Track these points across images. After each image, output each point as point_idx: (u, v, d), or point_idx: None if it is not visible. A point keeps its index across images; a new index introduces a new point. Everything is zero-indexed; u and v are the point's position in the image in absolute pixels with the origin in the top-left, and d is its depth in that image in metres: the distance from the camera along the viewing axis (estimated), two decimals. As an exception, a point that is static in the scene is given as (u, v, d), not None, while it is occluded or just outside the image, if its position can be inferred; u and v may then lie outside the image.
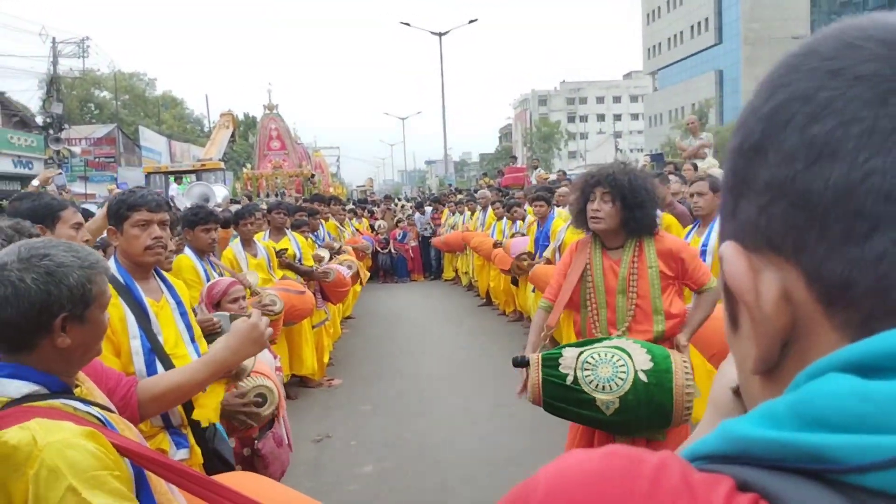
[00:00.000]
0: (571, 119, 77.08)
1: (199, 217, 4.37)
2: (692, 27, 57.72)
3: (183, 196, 11.86)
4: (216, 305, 3.56)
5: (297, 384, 6.39)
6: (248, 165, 18.05)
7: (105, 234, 3.30)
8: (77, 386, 1.50)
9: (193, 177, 16.28)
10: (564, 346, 2.88)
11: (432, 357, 7.53)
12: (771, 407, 0.39)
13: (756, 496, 0.37)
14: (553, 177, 13.81)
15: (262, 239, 6.10)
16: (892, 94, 0.38)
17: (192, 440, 2.35)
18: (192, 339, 2.50)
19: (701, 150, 9.04)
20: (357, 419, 5.57)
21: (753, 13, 50.76)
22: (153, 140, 35.97)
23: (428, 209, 15.81)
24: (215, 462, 2.39)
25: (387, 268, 14.77)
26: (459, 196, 15.13)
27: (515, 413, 5.07)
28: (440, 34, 29.55)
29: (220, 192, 11.61)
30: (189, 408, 2.32)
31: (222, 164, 18.31)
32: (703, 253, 4.32)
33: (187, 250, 4.30)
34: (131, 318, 2.31)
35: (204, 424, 2.38)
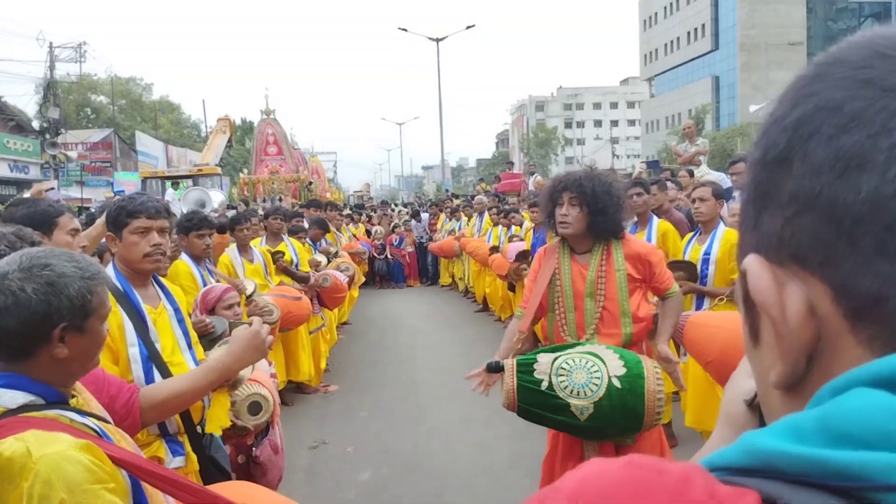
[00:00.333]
0: (568, 125, 77.22)
1: (193, 223, 4.37)
2: (689, 33, 57.93)
3: (179, 201, 11.85)
4: (211, 311, 3.55)
5: (293, 390, 6.37)
6: (245, 170, 18.03)
7: (103, 240, 3.30)
8: (73, 396, 1.49)
9: (190, 182, 16.26)
10: (539, 352, 2.91)
11: (429, 363, 7.52)
12: (796, 421, 0.38)
13: None
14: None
15: (258, 244, 6.09)
16: None
17: (188, 448, 2.34)
18: (189, 346, 2.50)
19: (696, 158, 9.04)
20: (354, 426, 5.56)
21: (750, 20, 50.98)
22: (150, 145, 35.94)
23: (425, 216, 15.81)
24: (211, 470, 2.38)
25: (383, 273, 14.76)
26: (457, 201, 15.14)
27: (512, 420, 5.03)
28: (437, 40, 29.61)
29: (216, 198, 11.61)
30: (186, 416, 2.31)
31: (219, 170, 18.31)
32: (706, 262, 4.26)
33: (184, 256, 4.29)
34: (129, 326, 2.30)
35: (218, 433, 2.38)
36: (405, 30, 29.66)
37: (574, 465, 2.66)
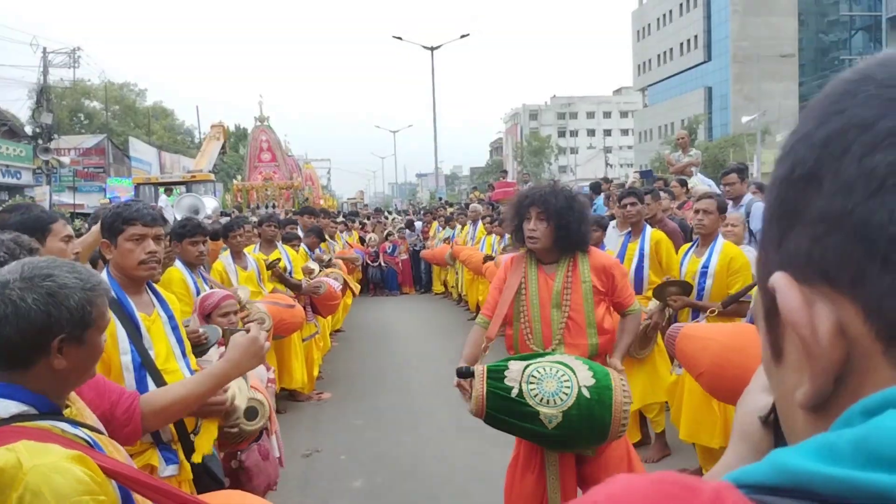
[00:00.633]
0: (562, 134, 77.51)
1: (187, 230, 4.36)
2: (682, 44, 58.35)
3: (173, 207, 11.82)
4: (207, 318, 3.55)
5: (286, 398, 6.35)
6: (239, 177, 18.04)
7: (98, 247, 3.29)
8: (67, 406, 1.49)
9: (183, 188, 16.24)
10: (510, 360, 2.92)
11: (423, 371, 7.51)
12: (829, 441, 0.37)
13: None
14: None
15: (252, 251, 6.09)
16: None
17: (181, 456, 2.33)
18: (184, 354, 2.49)
19: (688, 168, 9.10)
20: (347, 433, 5.54)
21: (742, 31, 51.40)
22: (143, 151, 35.86)
23: (418, 224, 15.82)
24: (205, 478, 2.37)
25: (377, 281, 14.75)
26: (450, 209, 15.15)
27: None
28: (432, 48, 29.71)
29: (210, 204, 11.58)
30: (180, 424, 2.31)
31: (212, 176, 18.30)
32: (704, 275, 4.24)
33: (178, 263, 4.27)
34: (122, 333, 2.30)
35: (198, 460, 2.37)
36: (400, 38, 29.79)
37: (534, 473, 2.65)
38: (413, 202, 36.85)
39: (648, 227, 5.12)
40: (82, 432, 1.43)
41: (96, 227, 2.89)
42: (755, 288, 3.08)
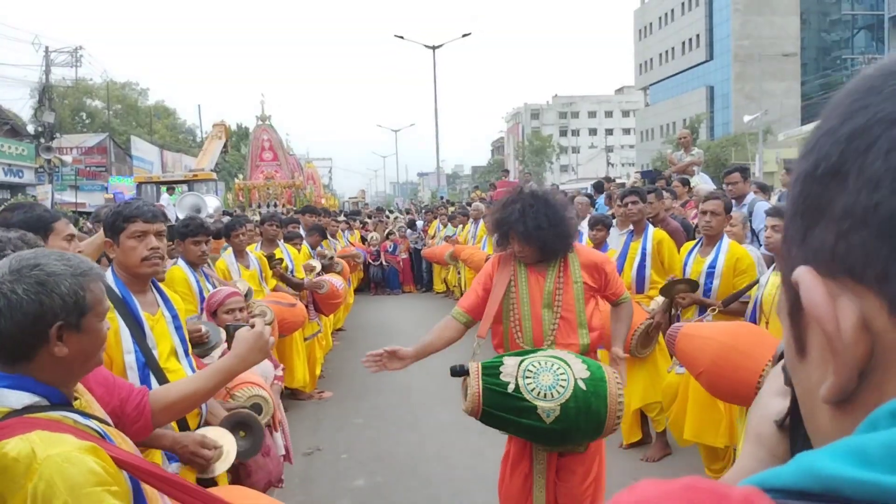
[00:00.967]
0: (563, 133, 77.45)
1: (190, 229, 4.35)
2: (683, 43, 58.26)
3: (175, 206, 11.83)
4: (213, 315, 3.55)
5: (287, 396, 6.35)
6: (241, 176, 18.03)
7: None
8: (76, 398, 1.51)
9: (185, 187, 16.24)
10: (504, 356, 2.91)
11: (424, 370, 7.47)
12: (859, 445, 0.37)
13: None
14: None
15: (254, 250, 6.10)
16: None
17: (184, 454, 2.33)
18: (186, 353, 2.50)
19: (690, 168, 9.09)
20: (348, 432, 5.55)
21: (744, 31, 51.31)
22: (145, 150, 35.90)
23: (419, 223, 15.82)
24: (207, 478, 2.37)
25: (378, 280, 14.76)
26: (452, 208, 15.15)
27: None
28: (434, 48, 29.71)
29: (211, 203, 11.59)
30: (183, 423, 2.31)
31: (214, 175, 18.28)
32: (710, 275, 4.24)
33: (181, 262, 4.28)
34: (126, 333, 2.31)
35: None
36: (402, 37, 29.77)
37: (524, 470, 2.64)
38: (414, 201, 36.88)
39: (651, 227, 5.12)
40: (93, 423, 1.45)
41: (101, 232, 2.89)
42: (755, 287, 3.07)
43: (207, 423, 2.50)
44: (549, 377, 2.72)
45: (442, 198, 27.11)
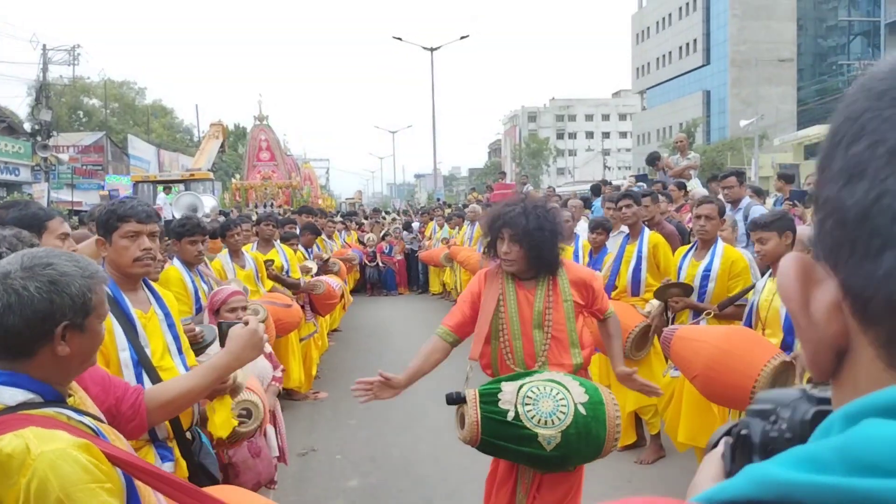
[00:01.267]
0: (560, 136, 77.55)
1: (186, 229, 4.34)
2: (680, 48, 58.42)
3: (171, 206, 11.82)
4: (216, 313, 3.55)
5: (283, 397, 6.34)
6: (238, 176, 18.03)
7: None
8: (70, 395, 1.51)
9: (182, 186, 16.23)
10: (501, 380, 2.79)
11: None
12: (811, 452, 0.38)
13: None
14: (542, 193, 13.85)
15: (250, 250, 6.08)
16: None
17: (177, 454, 2.33)
18: (180, 351, 2.49)
19: (686, 171, 9.11)
20: (342, 433, 5.55)
21: (741, 36, 51.47)
22: (142, 149, 35.84)
23: (415, 224, 15.82)
24: (200, 476, 2.37)
25: (374, 281, 14.75)
26: (448, 210, 15.16)
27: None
28: (432, 49, 29.72)
29: (208, 203, 11.60)
30: (175, 422, 2.31)
31: (211, 175, 18.29)
32: (706, 278, 4.25)
33: (176, 262, 4.27)
34: (119, 330, 2.30)
35: (216, 435, 2.37)
36: (400, 39, 29.78)
37: (508, 488, 2.53)
38: (411, 202, 36.88)
39: (647, 230, 5.12)
40: (87, 420, 1.46)
41: (92, 239, 2.88)
42: (751, 291, 3.08)
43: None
44: (549, 403, 2.63)
45: (438, 199, 27.12)
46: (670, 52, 60.14)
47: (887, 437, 0.35)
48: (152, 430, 2.23)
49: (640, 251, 4.97)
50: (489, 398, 2.71)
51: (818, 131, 32.38)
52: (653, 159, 10.02)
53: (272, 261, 6.15)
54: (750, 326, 3.68)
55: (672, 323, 4.54)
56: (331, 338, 8.88)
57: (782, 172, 10.46)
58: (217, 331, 3.27)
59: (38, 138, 26.15)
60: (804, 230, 3.75)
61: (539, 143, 63.58)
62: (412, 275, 15.03)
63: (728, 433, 0.57)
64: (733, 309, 4.06)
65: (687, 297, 4.34)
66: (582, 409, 2.64)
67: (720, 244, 4.32)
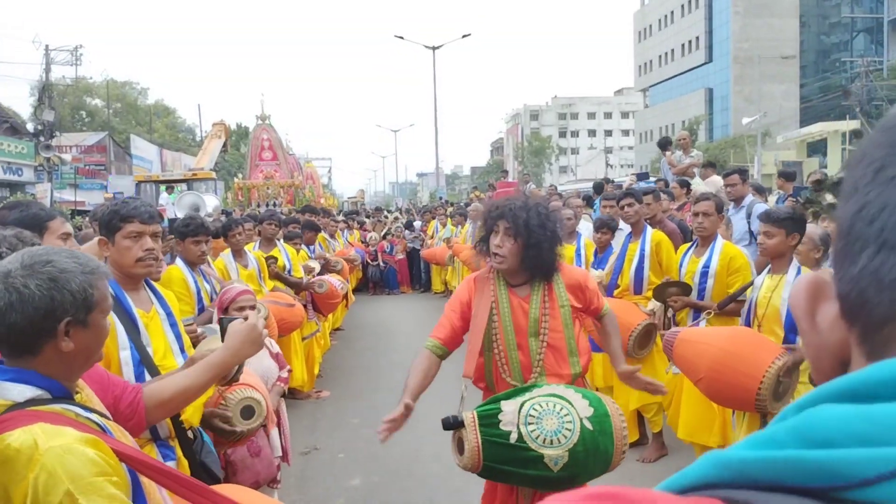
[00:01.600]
0: (563, 134, 77.47)
1: (190, 229, 4.34)
2: (683, 45, 58.29)
3: (174, 205, 11.83)
4: (225, 311, 3.56)
5: (285, 396, 6.34)
6: (240, 175, 18.06)
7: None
8: (77, 392, 1.53)
9: (184, 186, 16.24)
10: (499, 399, 2.59)
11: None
12: (767, 433, 0.40)
13: None
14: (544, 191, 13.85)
15: (252, 249, 6.09)
16: None
17: (179, 452, 2.34)
18: (182, 350, 2.50)
19: (690, 170, 9.09)
20: (345, 432, 5.55)
21: (743, 33, 51.34)
22: (144, 149, 35.88)
23: (417, 223, 15.83)
24: (202, 475, 2.38)
25: (376, 280, 14.75)
26: (450, 209, 15.16)
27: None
28: (434, 48, 29.72)
29: (210, 202, 11.61)
30: (177, 420, 2.32)
31: (213, 174, 18.29)
32: (705, 275, 4.26)
33: (179, 262, 4.27)
34: (121, 329, 2.31)
35: (186, 426, 2.37)
36: (402, 37, 29.78)
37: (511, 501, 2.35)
38: (413, 201, 36.85)
39: (649, 228, 5.12)
40: (94, 417, 1.48)
41: (95, 240, 2.88)
42: (750, 287, 3.08)
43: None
44: (553, 421, 2.44)
45: (441, 198, 27.11)
46: (672, 50, 60.00)
47: (839, 415, 0.37)
48: (154, 428, 2.24)
49: (642, 249, 4.96)
50: (489, 420, 2.52)
51: (821, 128, 32.31)
52: (665, 144, 9.96)
53: (275, 258, 6.15)
54: (748, 324, 3.67)
55: (673, 322, 4.54)
56: (333, 337, 8.89)
57: (783, 171, 10.44)
58: (218, 331, 3.28)
59: (41, 138, 26.19)
60: (814, 230, 3.74)
61: (541, 141, 63.55)
62: (414, 274, 15.03)
63: None
64: (734, 305, 4.05)
65: (686, 296, 4.34)
66: (588, 424, 2.48)
67: (719, 241, 4.33)
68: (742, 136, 36.57)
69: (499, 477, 2.65)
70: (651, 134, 60.42)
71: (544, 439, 2.43)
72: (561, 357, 2.77)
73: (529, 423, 2.45)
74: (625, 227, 5.39)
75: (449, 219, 13.31)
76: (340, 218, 14.49)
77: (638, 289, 4.96)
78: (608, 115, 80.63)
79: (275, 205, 15.13)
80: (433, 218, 14.77)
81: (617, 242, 5.39)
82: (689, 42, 57.31)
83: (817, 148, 34.13)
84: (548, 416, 2.46)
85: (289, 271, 6.31)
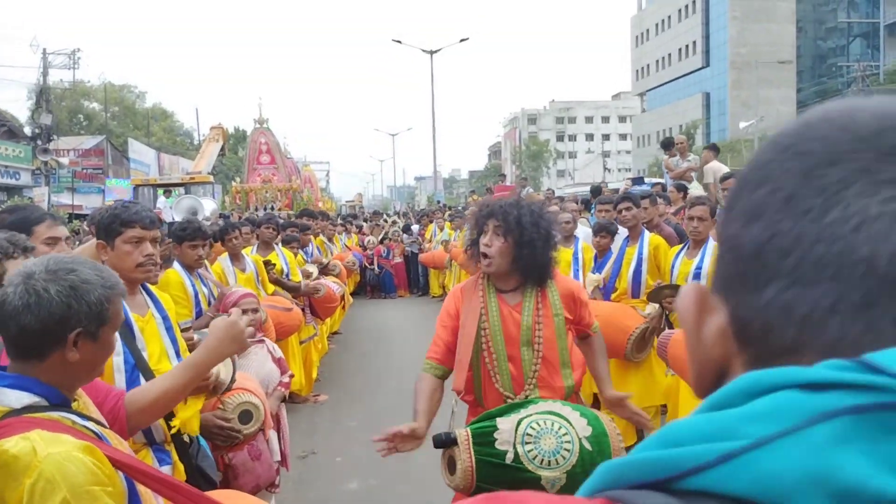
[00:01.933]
0: (560, 138, 77.56)
1: (188, 233, 4.33)
2: (680, 50, 58.46)
3: (171, 209, 11.82)
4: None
5: (284, 400, 6.35)
6: (238, 179, 18.03)
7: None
8: (75, 400, 1.53)
9: (182, 190, 16.23)
10: (492, 416, 2.45)
11: (419, 373, 7.49)
12: (644, 443, 0.43)
13: None
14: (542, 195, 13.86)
15: (250, 253, 6.08)
16: (816, 169, 0.42)
17: (175, 457, 2.33)
18: (178, 354, 2.49)
19: (687, 174, 9.11)
20: (343, 435, 5.55)
21: (740, 38, 51.51)
22: (142, 152, 35.87)
23: (415, 227, 15.83)
24: (198, 479, 2.37)
25: (374, 283, 14.74)
26: (448, 212, 15.17)
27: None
28: (432, 52, 29.76)
29: (208, 206, 11.60)
30: (170, 428, 2.31)
31: (211, 178, 18.30)
32: (697, 276, 4.29)
33: (176, 265, 4.26)
34: (115, 334, 2.30)
35: (183, 432, 2.35)
36: (399, 42, 29.83)
37: None
38: (411, 205, 36.86)
39: (647, 232, 5.14)
40: (91, 425, 1.48)
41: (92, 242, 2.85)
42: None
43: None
44: (551, 441, 2.31)
45: (438, 202, 27.12)
46: (670, 55, 60.16)
47: (692, 421, 0.41)
48: (149, 432, 2.23)
49: (640, 253, 4.98)
50: (484, 438, 2.37)
51: (818, 133, 32.38)
52: (668, 144, 9.98)
53: (273, 264, 6.15)
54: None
55: (670, 326, 4.55)
56: (331, 340, 8.88)
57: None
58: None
59: (39, 142, 26.19)
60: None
61: (539, 145, 63.64)
62: (412, 277, 15.02)
63: None
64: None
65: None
66: (587, 445, 2.34)
67: (711, 242, 4.38)
68: (739, 141, 36.69)
69: None
70: (648, 138, 60.54)
71: (542, 460, 2.30)
72: (554, 369, 2.63)
73: (527, 443, 2.32)
74: (622, 231, 5.40)
75: (447, 223, 13.31)
76: (339, 222, 14.48)
77: (636, 292, 4.97)
78: (606, 119, 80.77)
79: (273, 208, 15.12)
80: (431, 222, 14.78)
81: (614, 246, 5.40)
82: (687, 46, 57.48)
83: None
84: (546, 434, 2.33)
85: (287, 275, 6.31)
